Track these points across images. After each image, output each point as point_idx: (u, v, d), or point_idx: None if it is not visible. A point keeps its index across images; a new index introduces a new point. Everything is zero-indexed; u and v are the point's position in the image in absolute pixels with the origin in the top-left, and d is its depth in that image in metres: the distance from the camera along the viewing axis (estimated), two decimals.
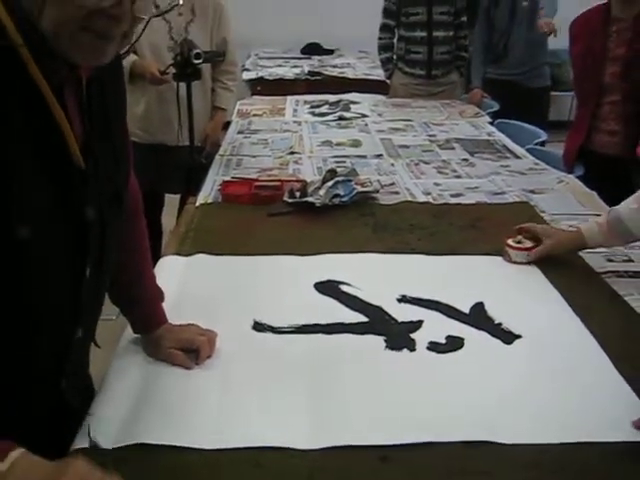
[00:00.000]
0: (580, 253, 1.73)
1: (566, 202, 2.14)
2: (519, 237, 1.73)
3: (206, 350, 1.25)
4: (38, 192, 0.87)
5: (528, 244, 1.71)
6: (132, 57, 2.92)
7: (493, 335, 1.37)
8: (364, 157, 2.69)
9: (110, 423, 1.07)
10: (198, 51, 2.63)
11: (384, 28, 4.03)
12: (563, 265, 1.67)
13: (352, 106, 3.67)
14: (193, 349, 1.25)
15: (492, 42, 4.04)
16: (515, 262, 1.69)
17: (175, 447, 1.02)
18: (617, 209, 1.61)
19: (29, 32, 0.82)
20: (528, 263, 1.68)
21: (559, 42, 3.97)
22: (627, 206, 1.59)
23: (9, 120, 0.82)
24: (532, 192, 2.25)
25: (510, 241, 1.72)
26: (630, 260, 1.73)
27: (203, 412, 1.11)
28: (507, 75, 4.02)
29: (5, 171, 0.82)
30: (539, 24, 3.73)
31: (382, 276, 1.61)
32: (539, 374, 1.24)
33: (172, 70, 2.71)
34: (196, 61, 2.63)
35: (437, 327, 1.39)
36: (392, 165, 2.58)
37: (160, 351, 1.25)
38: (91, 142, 0.96)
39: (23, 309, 0.92)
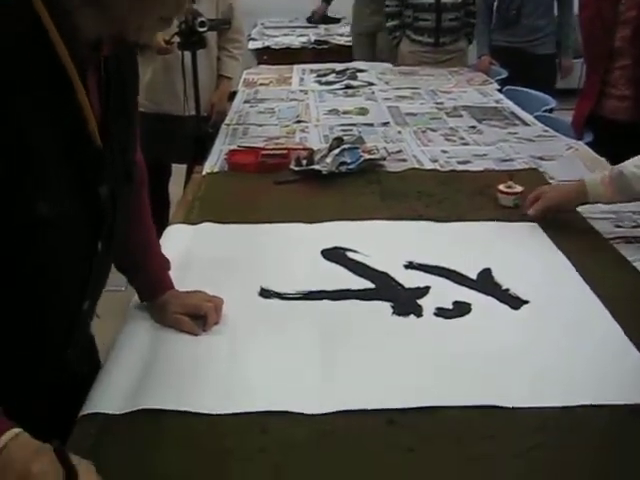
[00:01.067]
0: (588, 219, 1.72)
1: (575, 168, 2.12)
2: (509, 182, 1.82)
3: (213, 316, 1.25)
4: (57, 170, 0.89)
5: (517, 189, 1.80)
6: None
7: (500, 301, 1.37)
8: (371, 125, 2.67)
9: (118, 389, 1.08)
10: (203, 19, 2.60)
11: None
12: (571, 231, 1.67)
13: (359, 74, 3.63)
14: (200, 315, 1.25)
15: (502, 6, 3.98)
16: (502, 206, 1.81)
17: (182, 412, 1.03)
18: (622, 164, 1.60)
19: (61, 18, 0.84)
20: (515, 207, 1.79)
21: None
22: (632, 162, 1.58)
23: (35, 99, 0.84)
24: (541, 159, 2.23)
25: (501, 186, 1.82)
26: (639, 226, 1.71)
27: (210, 378, 1.11)
28: (517, 43, 3.96)
29: (29, 149, 0.84)
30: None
31: (389, 243, 1.61)
32: (546, 339, 1.24)
33: (177, 39, 2.68)
34: (201, 29, 2.60)
35: (444, 293, 1.39)
36: (399, 133, 2.56)
37: (166, 317, 1.25)
38: (108, 121, 0.97)
39: (36, 283, 0.94)
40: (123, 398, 1.05)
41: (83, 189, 0.94)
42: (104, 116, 0.96)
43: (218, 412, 1.03)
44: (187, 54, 2.70)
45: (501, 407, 1.05)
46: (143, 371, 1.12)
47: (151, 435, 1.00)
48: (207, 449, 0.97)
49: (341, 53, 4.79)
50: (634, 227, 1.71)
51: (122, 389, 1.08)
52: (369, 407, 1.05)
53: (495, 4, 4.03)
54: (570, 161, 2.22)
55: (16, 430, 0.82)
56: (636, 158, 1.58)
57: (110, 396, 1.06)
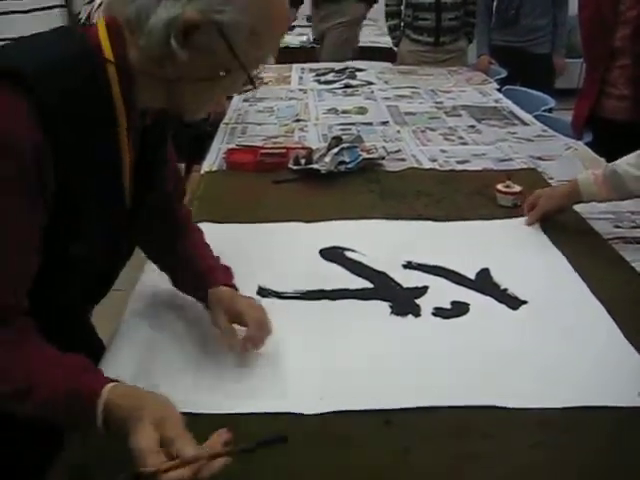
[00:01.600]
0: (587, 219, 1.72)
1: (574, 168, 2.11)
2: (508, 182, 1.83)
3: (252, 334, 1.14)
4: (92, 219, 0.97)
5: (516, 189, 1.81)
6: None
7: (499, 301, 1.37)
8: (370, 124, 2.67)
9: None
10: None
11: None
12: (570, 231, 1.67)
13: (358, 74, 3.63)
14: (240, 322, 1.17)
15: (501, 6, 3.98)
16: (501, 206, 1.81)
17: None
18: (615, 162, 1.60)
19: (127, 88, 0.95)
20: (513, 206, 1.79)
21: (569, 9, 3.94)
22: (626, 160, 1.57)
23: (93, 159, 0.93)
24: (539, 159, 2.23)
25: (499, 186, 1.83)
26: (637, 227, 1.71)
27: (207, 378, 1.11)
28: (516, 42, 3.96)
29: (76, 199, 0.93)
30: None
31: (387, 242, 1.60)
32: (544, 340, 1.24)
33: None
34: None
35: (442, 293, 1.39)
36: (398, 132, 2.55)
37: (213, 320, 1.18)
38: (139, 182, 1.06)
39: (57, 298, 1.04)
40: None
41: (109, 242, 1.04)
42: (136, 177, 1.05)
43: (217, 411, 1.03)
44: None
45: (500, 407, 1.05)
46: (139, 372, 1.11)
47: None
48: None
49: None
50: (633, 227, 1.71)
51: None
52: (367, 407, 1.04)
53: (494, 4, 4.03)
54: (569, 161, 2.21)
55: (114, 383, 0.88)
56: (630, 156, 1.58)
57: None
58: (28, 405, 0.86)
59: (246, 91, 1.03)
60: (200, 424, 1.00)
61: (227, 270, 1.26)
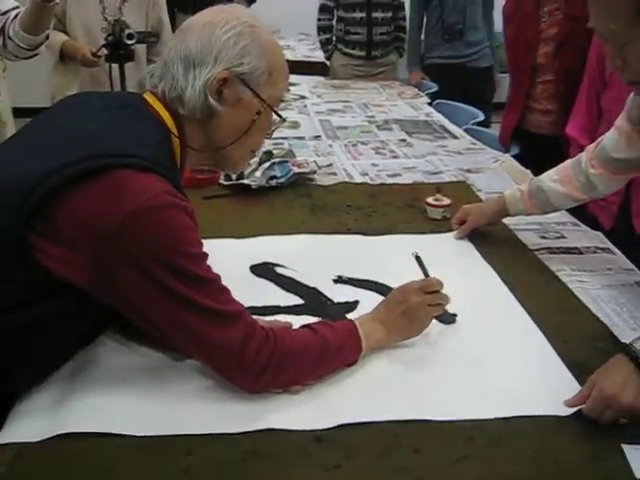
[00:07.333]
0: (514, 230, 1.76)
1: (501, 180, 2.17)
2: (437, 195, 1.86)
3: None
4: None
5: (446, 201, 1.84)
6: (62, 37, 2.84)
7: None
8: (302, 138, 2.68)
9: (34, 416, 1.04)
10: (130, 31, 2.57)
11: (323, 9, 4.02)
12: (497, 242, 1.70)
13: (291, 88, 3.63)
14: None
15: (447, 22, 3.93)
16: (431, 218, 1.85)
17: (103, 437, 1.00)
18: (539, 178, 1.65)
19: (184, 154, 1.18)
20: (443, 219, 1.82)
21: (498, 24, 4.00)
22: (549, 177, 1.62)
23: None
24: (469, 171, 2.27)
25: (429, 199, 1.86)
26: (562, 237, 1.76)
27: (132, 399, 1.08)
28: (458, 57, 3.89)
29: None
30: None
31: (318, 257, 1.60)
32: (474, 352, 1.25)
33: (104, 51, 2.64)
34: (129, 42, 2.57)
35: (373, 307, 1.38)
36: (330, 146, 2.57)
37: None
38: None
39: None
40: (40, 424, 1.01)
41: None
42: None
43: (142, 434, 1.01)
44: (115, 67, 2.65)
45: (428, 420, 1.06)
46: (61, 395, 1.08)
47: (71, 462, 0.96)
48: (130, 473, 0.95)
49: None
50: (558, 238, 1.75)
51: (39, 415, 1.04)
52: (296, 427, 1.03)
53: (440, 23, 3.95)
54: (496, 173, 2.26)
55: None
56: (552, 171, 1.62)
57: (26, 423, 1.02)
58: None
59: (276, 127, 1.26)
60: (124, 447, 0.99)
61: None
